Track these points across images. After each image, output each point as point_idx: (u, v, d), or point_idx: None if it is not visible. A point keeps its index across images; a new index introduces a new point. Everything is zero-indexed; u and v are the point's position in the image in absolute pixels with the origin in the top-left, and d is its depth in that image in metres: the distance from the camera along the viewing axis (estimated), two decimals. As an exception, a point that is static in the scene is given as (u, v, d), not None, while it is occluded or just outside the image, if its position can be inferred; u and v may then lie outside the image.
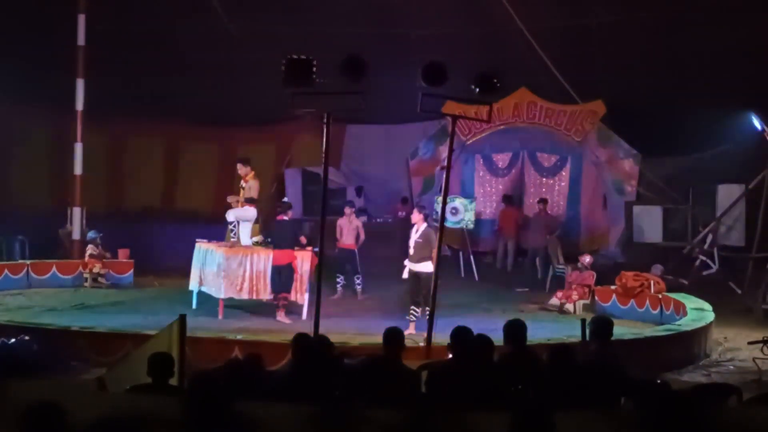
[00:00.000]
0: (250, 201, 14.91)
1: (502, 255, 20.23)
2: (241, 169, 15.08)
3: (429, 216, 14.55)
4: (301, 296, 14.34)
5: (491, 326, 9.77)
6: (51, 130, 21.20)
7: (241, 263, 14.31)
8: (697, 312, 13.70)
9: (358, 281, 16.60)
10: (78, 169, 19.16)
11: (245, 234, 15.06)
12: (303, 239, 14.76)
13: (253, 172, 15.07)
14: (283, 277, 14.20)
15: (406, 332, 11.76)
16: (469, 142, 21.19)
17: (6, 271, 17.33)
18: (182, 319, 7.95)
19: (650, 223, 19.69)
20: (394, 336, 7.18)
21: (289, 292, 14.26)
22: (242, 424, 4.81)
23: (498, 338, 7.26)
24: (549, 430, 4.51)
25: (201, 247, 15.11)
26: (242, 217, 15.04)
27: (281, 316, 14.08)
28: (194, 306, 14.62)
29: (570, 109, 20.34)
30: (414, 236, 13.34)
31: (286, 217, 14.56)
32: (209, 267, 14.65)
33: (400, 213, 21.39)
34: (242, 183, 15.01)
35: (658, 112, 19.08)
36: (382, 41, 19.66)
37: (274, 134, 22.99)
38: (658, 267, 16.34)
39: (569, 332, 11.87)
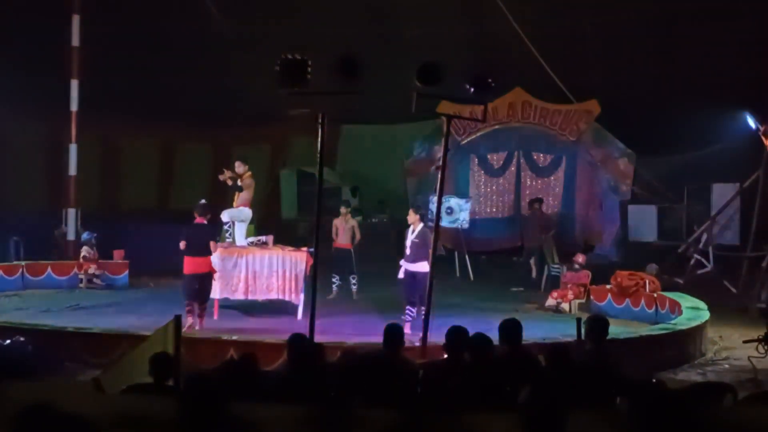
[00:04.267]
0: (238, 189, 14.88)
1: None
2: (240, 167, 15.04)
3: (424, 216, 14.56)
4: (297, 296, 14.33)
5: (487, 325, 9.76)
6: (45, 131, 21.19)
7: (236, 264, 14.28)
8: (692, 311, 13.72)
9: (353, 281, 16.60)
10: (73, 170, 19.16)
11: (240, 234, 15.04)
12: (212, 245, 13.54)
13: (249, 172, 15.07)
14: (204, 286, 13.49)
15: (401, 332, 11.78)
16: (464, 142, 21.21)
17: (1, 272, 17.33)
18: (177, 319, 7.96)
19: (645, 223, 19.74)
20: (394, 332, 7.20)
21: (207, 301, 13.60)
22: (238, 425, 4.80)
23: (493, 338, 7.26)
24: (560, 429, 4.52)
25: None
26: (237, 217, 15.03)
27: (198, 323, 13.39)
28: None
29: (565, 109, 20.36)
30: (410, 236, 13.34)
31: (204, 221, 13.66)
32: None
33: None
34: (238, 182, 14.99)
35: (653, 111, 19.12)
36: (376, 41, 19.69)
37: (268, 134, 23.01)
38: (653, 266, 16.35)
39: (565, 331, 11.89)
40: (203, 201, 14.26)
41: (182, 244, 13.34)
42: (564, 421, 4.51)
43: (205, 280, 13.62)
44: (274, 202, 22.93)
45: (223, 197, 15.77)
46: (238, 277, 14.25)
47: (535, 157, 21.10)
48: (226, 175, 14.99)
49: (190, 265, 13.49)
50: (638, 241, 19.65)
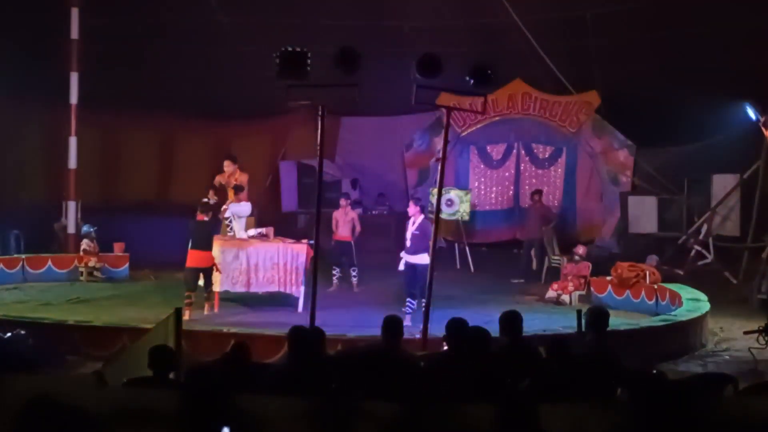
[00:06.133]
0: (239, 189, 14.93)
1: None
2: (229, 166, 15.10)
3: (425, 208, 14.57)
4: (297, 289, 14.34)
5: (487, 317, 9.79)
6: (45, 124, 21.15)
7: (236, 256, 14.30)
8: (692, 302, 13.73)
9: (354, 273, 16.60)
10: (72, 163, 19.15)
11: (241, 227, 15.07)
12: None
13: (239, 170, 15.12)
14: (206, 278, 14.06)
15: (402, 324, 11.81)
16: (463, 134, 21.19)
17: (1, 265, 17.34)
18: (178, 312, 7.98)
19: (645, 214, 19.69)
20: (393, 324, 7.20)
21: (211, 285, 14.10)
22: (239, 417, 4.81)
23: (494, 329, 7.27)
24: (533, 422, 4.52)
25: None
26: (238, 212, 15.05)
27: (208, 309, 14.00)
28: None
29: (565, 100, 20.33)
30: (411, 228, 13.35)
31: (206, 218, 14.18)
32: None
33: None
34: (233, 180, 15.03)
35: (653, 102, 19.06)
36: (376, 33, 19.63)
37: (268, 127, 22.97)
38: (653, 257, 16.36)
39: (565, 323, 11.92)
40: (206, 200, 14.67)
41: None
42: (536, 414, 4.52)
43: (206, 272, 14.02)
44: (274, 195, 22.89)
45: (223, 192, 15.77)
46: (238, 270, 14.28)
47: (535, 149, 21.09)
48: (221, 178, 15.08)
49: (191, 258, 13.91)
50: (638, 232, 19.62)
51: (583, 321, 8.14)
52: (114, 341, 11.13)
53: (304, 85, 9.76)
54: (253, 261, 14.34)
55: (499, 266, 19.33)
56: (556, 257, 18.16)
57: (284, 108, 16.05)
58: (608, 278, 15.70)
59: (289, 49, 9.59)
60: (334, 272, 16.56)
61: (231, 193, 15.04)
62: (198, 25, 20.46)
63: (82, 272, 17.83)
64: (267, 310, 14.24)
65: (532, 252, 18.79)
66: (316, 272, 10.57)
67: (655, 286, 14.99)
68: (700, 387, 6.72)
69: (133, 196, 22.63)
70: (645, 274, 15.26)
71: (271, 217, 18.96)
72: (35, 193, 20.94)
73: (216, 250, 14.26)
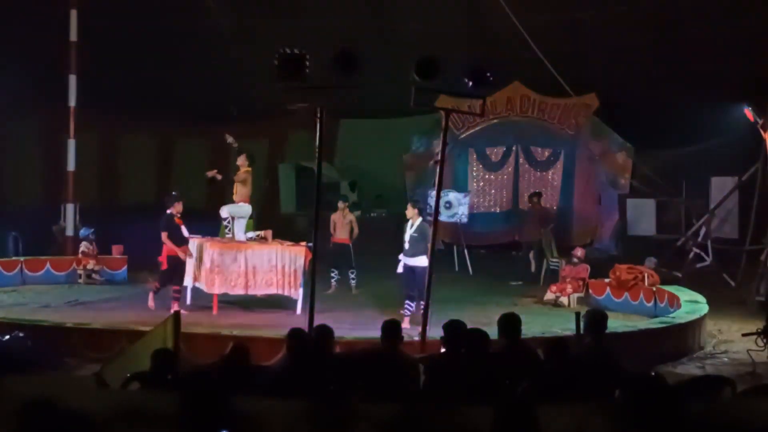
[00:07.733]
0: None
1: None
2: (240, 159, 15.08)
3: (423, 210, 14.57)
4: (295, 291, 14.32)
5: (485, 320, 9.81)
6: (44, 127, 21.17)
7: (235, 259, 14.29)
8: (691, 304, 13.72)
9: (352, 276, 16.60)
10: (71, 166, 19.14)
11: (240, 230, 15.04)
12: (162, 235, 14.13)
13: (249, 168, 15.08)
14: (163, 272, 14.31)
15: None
16: (462, 136, 21.19)
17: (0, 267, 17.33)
18: (176, 314, 7.98)
19: (644, 216, 19.73)
20: (392, 328, 7.20)
21: (180, 284, 14.22)
22: (237, 419, 4.81)
23: (493, 332, 7.27)
24: (531, 424, 4.52)
25: (195, 242, 15.07)
26: (236, 213, 15.02)
27: (175, 306, 13.78)
28: (188, 302, 14.60)
29: (563, 103, 20.33)
30: (409, 231, 13.34)
31: (167, 211, 14.24)
32: (203, 263, 14.63)
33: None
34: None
35: (652, 104, 19.10)
36: (375, 35, 19.67)
37: (267, 129, 23.00)
38: (651, 260, 16.35)
39: (563, 325, 11.92)
40: (174, 192, 14.76)
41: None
42: (535, 416, 4.52)
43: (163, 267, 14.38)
44: (273, 197, 22.93)
45: (221, 192, 15.76)
46: (237, 272, 14.25)
47: (533, 151, 21.09)
48: (213, 172, 15.08)
49: None
50: (637, 234, 19.64)
51: (581, 323, 8.14)
52: (113, 344, 11.11)
53: (302, 87, 9.75)
54: (251, 263, 14.32)
55: (497, 268, 19.32)
56: (554, 259, 18.16)
57: (283, 110, 16.03)
58: (607, 280, 15.70)
59: (288, 51, 9.59)
60: (332, 275, 16.56)
61: (236, 188, 14.96)
62: (197, 27, 20.48)
63: (80, 275, 17.82)
64: (265, 313, 14.23)
65: (531, 254, 18.78)
66: (314, 274, 10.56)
67: (654, 289, 14.99)
68: (699, 389, 6.72)
69: (131, 198, 22.67)
70: (643, 277, 15.26)
71: (270, 220, 18.98)
72: (34, 196, 20.97)
73: (215, 252, 14.25)
